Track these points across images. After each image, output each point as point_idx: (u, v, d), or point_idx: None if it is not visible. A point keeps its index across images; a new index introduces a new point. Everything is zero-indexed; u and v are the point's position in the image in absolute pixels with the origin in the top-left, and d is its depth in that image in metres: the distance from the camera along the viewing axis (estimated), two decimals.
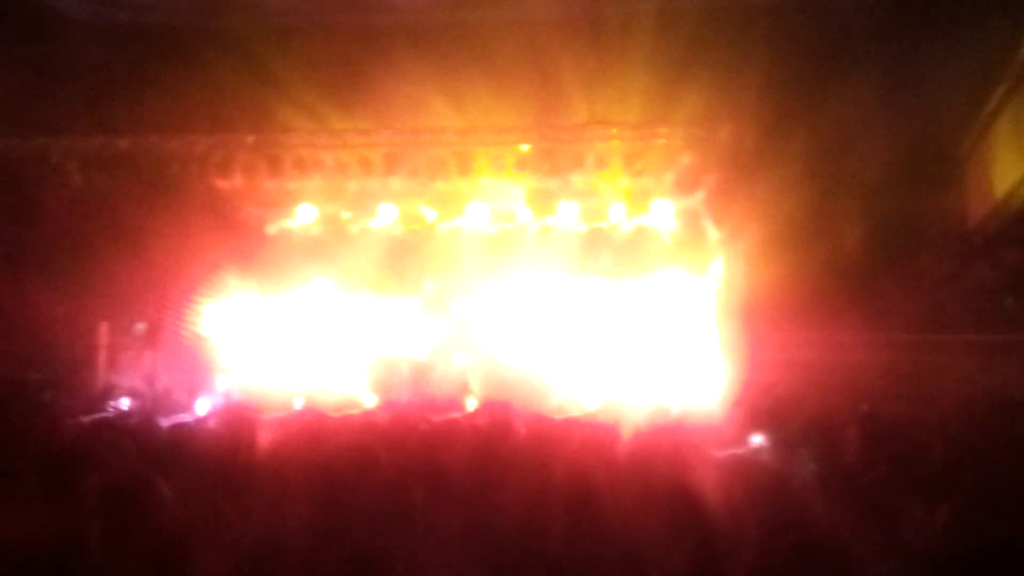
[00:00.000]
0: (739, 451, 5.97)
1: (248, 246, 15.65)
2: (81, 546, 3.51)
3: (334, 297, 15.59)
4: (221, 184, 15.49)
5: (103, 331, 15.34)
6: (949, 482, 5.14)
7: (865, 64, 13.63)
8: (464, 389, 13.93)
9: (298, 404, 12.75)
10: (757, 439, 6.38)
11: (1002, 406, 8.58)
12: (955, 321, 13.44)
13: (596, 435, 6.36)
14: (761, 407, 8.44)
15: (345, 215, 16.52)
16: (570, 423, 7.92)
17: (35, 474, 4.79)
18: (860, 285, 13.34)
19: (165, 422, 9.40)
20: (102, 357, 15.25)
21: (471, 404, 12.80)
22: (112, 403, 12.69)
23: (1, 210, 14.42)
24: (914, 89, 13.53)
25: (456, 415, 9.34)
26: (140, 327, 14.74)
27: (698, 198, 14.99)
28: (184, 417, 11.23)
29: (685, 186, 15.12)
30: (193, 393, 14.01)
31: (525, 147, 15.18)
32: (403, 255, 15.99)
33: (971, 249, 14.16)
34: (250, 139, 15.43)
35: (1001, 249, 13.86)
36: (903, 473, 5.39)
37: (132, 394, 13.40)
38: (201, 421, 11.03)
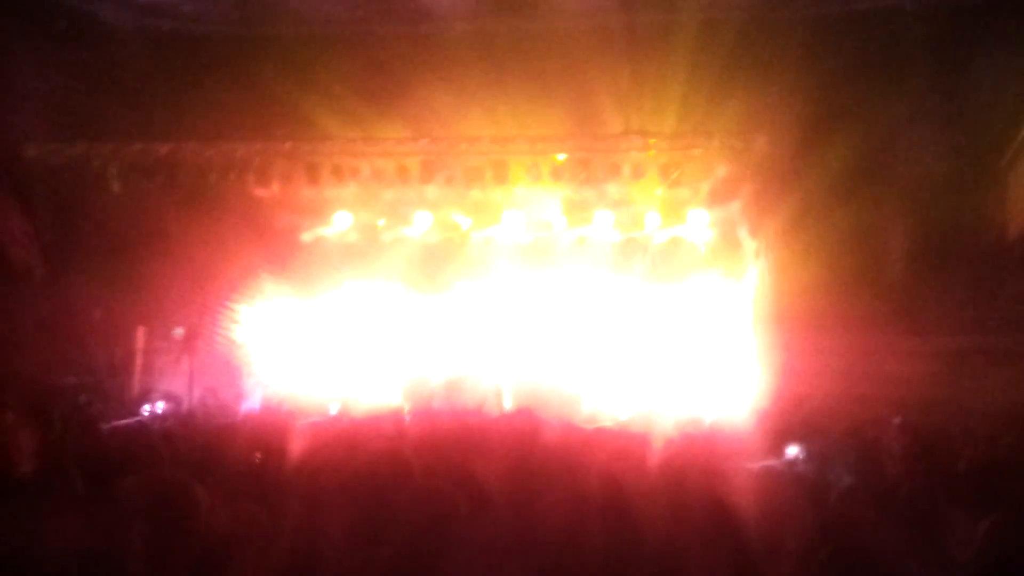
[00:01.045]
0: (773, 462, 5.93)
1: (285, 252, 15.75)
2: (119, 551, 3.54)
3: (369, 303, 15.65)
4: (259, 191, 15.60)
5: (141, 336, 15.49)
6: (988, 492, 5.09)
7: (905, 76, 13.57)
8: (496, 398, 13.92)
9: (333, 409, 12.79)
10: (792, 450, 6.33)
11: None
12: (993, 330, 13.33)
13: (628, 444, 6.35)
14: (796, 417, 8.39)
15: (380, 222, 16.59)
16: (601, 432, 7.90)
17: (73, 478, 4.83)
18: (898, 294, 13.27)
19: (201, 427, 9.49)
20: (139, 362, 15.41)
21: (503, 413, 12.79)
22: (149, 407, 12.79)
23: (42, 215, 14.59)
24: (955, 101, 13.46)
25: (488, 422, 9.34)
26: (178, 332, 14.86)
27: (734, 208, 14.94)
28: (220, 422, 11.28)
29: (721, 196, 15.08)
30: (229, 398, 14.11)
31: (561, 156, 15.18)
32: (438, 263, 16.04)
33: (1010, 260, 14.02)
34: (288, 147, 15.52)
35: None
36: (941, 483, 5.35)
37: (169, 398, 13.50)
38: (237, 425, 11.09)
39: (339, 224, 16.34)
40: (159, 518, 3.70)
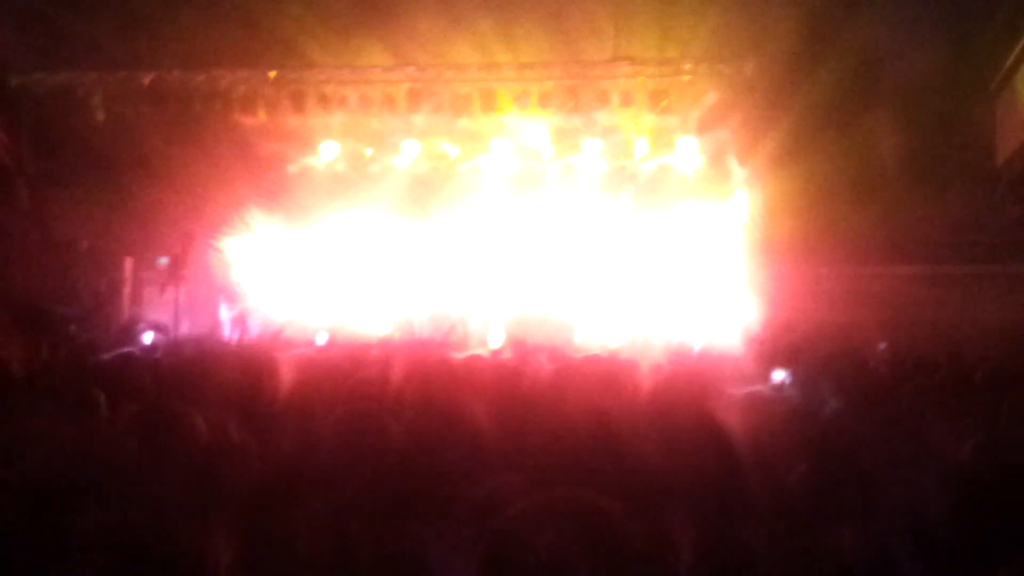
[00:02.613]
0: (760, 387, 5.97)
1: (272, 182, 15.67)
2: (105, 475, 3.56)
3: (356, 233, 15.61)
4: (245, 120, 15.49)
5: (127, 266, 15.46)
6: (975, 411, 5.14)
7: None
8: (485, 327, 13.95)
9: (321, 339, 12.81)
10: (779, 375, 6.37)
11: None
12: (982, 255, 13.39)
13: (616, 371, 6.37)
14: (784, 342, 8.44)
15: (368, 152, 16.50)
16: (590, 360, 7.93)
17: (60, 405, 4.85)
18: (888, 220, 13.28)
19: (188, 356, 9.50)
20: (126, 292, 15.39)
21: (494, 342, 12.83)
22: (136, 336, 12.79)
23: (27, 145, 14.48)
24: (944, 23, 13.36)
25: (478, 351, 9.37)
26: (164, 262, 14.82)
27: (723, 135, 14.89)
28: (207, 350, 11.30)
29: (710, 123, 15.01)
30: (216, 327, 14.13)
31: (548, 83, 15.07)
32: (425, 192, 15.98)
33: (1001, 184, 14.05)
34: (274, 75, 15.39)
35: None
36: (928, 404, 5.39)
37: (156, 328, 13.50)
38: (225, 355, 11.11)
39: (326, 154, 16.26)
40: (144, 442, 3.72)
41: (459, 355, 8.10)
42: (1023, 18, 12.89)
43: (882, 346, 8.72)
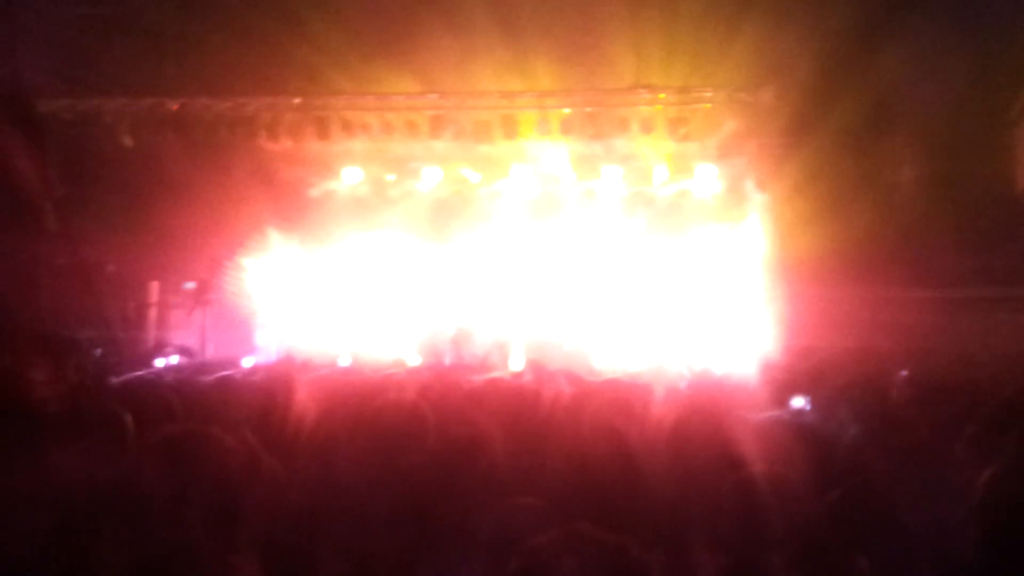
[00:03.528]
0: (779, 413, 5.97)
1: (295, 207, 15.80)
2: (130, 499, 3.60)
3: (378, 257, 15.71)
4: (269, 146, 15.62)
5: (154, 290, 15.59)
6: (993, 440, 5.13)
7: (915, 27, 13.47)
8: (505, 351, 13.99)
9: (344, 361, 12.89)
10: (798, 401, 6.37)
11: None
12: (1000, 281, 13.35)
13: (635, 396, 6.39)
14: (803, 368, 8.44)
15: (390, 177, 16.63)
16: (609, 384, 7.95)
17: (87, 430, 4.90)
18: (906, 245, 13.28)
19: (214, 378, 9.57)
20: (152, 315, 15.51)
21: (514, 367, 12.86)
22: (162, 360, 12.89)
23: (54, 170, 14.63)
24: (966, 53, 13.37)
25: (498, 375, 9.41)
26: (189, 286, 14.96)
27: (742, 162, 14.94)
28: (232, 374, 11.38)
29: (729, 150, 15.06)
30: (241, 350, 14.21)
31: (569, 111, 15.14)
32: (447, 217, 16.07)
33: (1018, 210, 14.01)
34: (298, 101, 15.53)
35: None
36: (947, 432, 5.38)
37: (182, 352, 13.61)
38: (248, 377, 11.19)
39: (349, 179, 16.39)
40: (169, 466, 3.76)
41: (479, 378, 8.16)
42: None
43: (903, 373, 8.71)
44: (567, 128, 15.17)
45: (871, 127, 13.75)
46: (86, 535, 3.38)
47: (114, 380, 8.95)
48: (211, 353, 13.79)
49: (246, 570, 3.22)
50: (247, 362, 13.33)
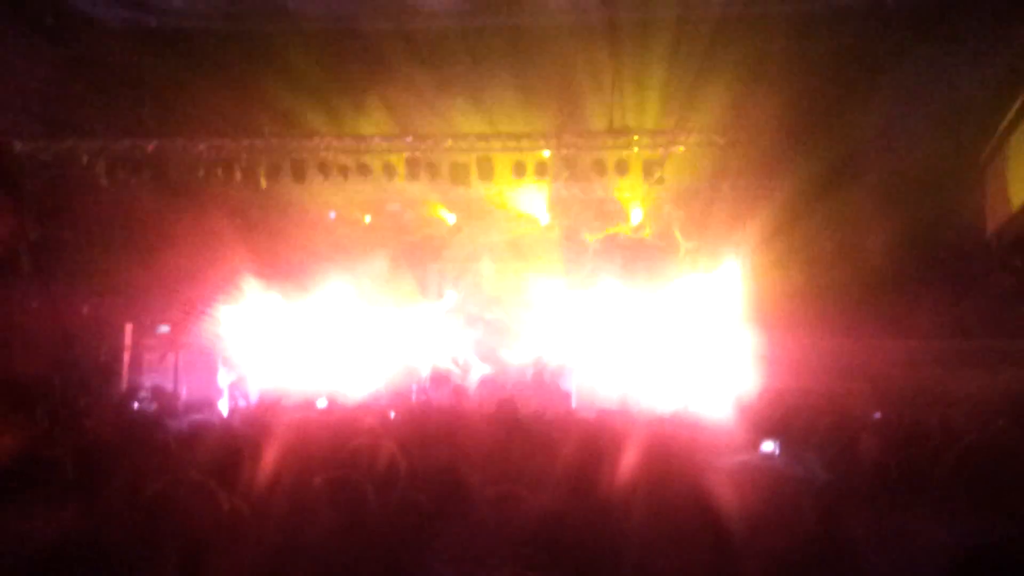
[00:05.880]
0: (750, 456, 6.00)
1: (271, 249, 15.80)
2: (103, 542, 3.59)
3: (354, 299, 15.71)
4: (245, 187, 15.64)
5: (128, 333, 15.52)
6: (963, 488, 5.15)
7: (884, 74, 13.68)
8: (479, 390, 14.01)
9: (320, 404, 12.85)
10: (768, 445, 6.41)
11: (1019, 412, 8.55)
12: (972, 327, 13.45)
13: (608, 437, 6.40)
14: (776, 413, 8.48)
15: (366, 219, 16.69)
16: (580, 422, 7.98)
17: (62, 469, 4.89)
18: (879, 293, 13.37)
19: (188, 421, 9.53)
20: (126, 358, 15.44)
21: (485, 405, 12.87)
22: (136, 403, 12.82)
23: (29, 211, 14.60)
24: (933, 99, 13.56)
25: (469, 416, 9.43)
26: (163, 329, 14.90)
27: (717, 206, 15.08)
28: (207, 416, 11.33)
29: (704, 194, 15.22)
30: (215, 393, 14.16)
31: (546, 153, 15.24)
32: (423, 259, 16.13)
33: (990, 258, 14.15)
34: (275, 143, 15.57)
35: (1018, 257, 13.85)
36: (918, 480, 5.41)
37: (155, 395, 13.54)
38: (223, 420, 11.15)
39: (324, 220, 16.44)
40: (142, 510, 3.75)
41: (452, 418, 8.18)
42: (1010, 91, 13.09)
43: (876, 415, 8.76)
44: (542, 170, 15.25)
45: (842, 172, 13.89)
46: None
47: (87, 423, 8.91)
48: (184, 396, 13.70)
49: None
50: (221, 404, 13.29)
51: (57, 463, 4.94)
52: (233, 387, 14.76)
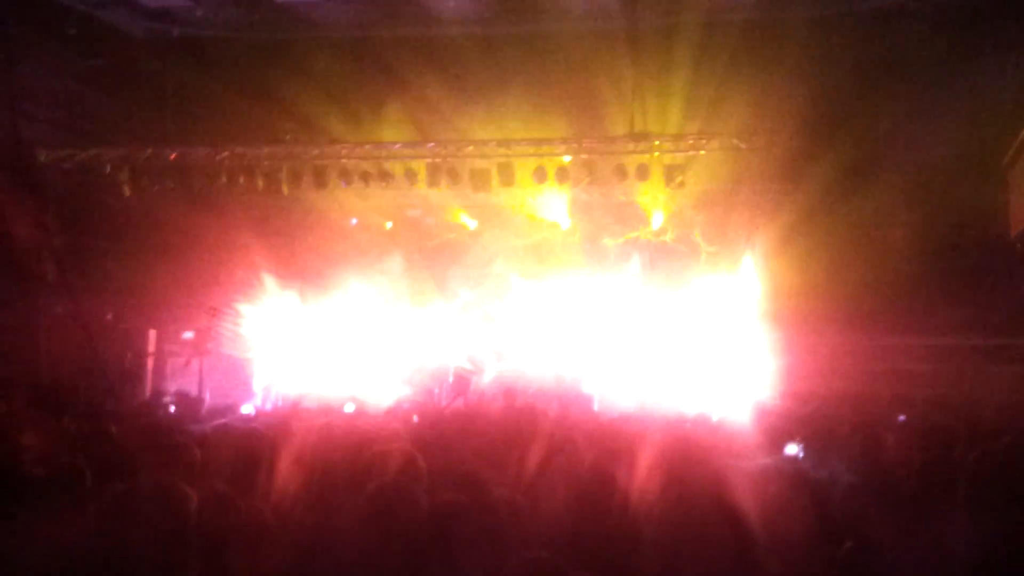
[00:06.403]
0: (774, 460, 5.97)
1: (293, 255, 15.86)
2: (127, 548, 3.60)
3: (375, 303, 15.73)
4: (267, 194, 15.69)
5: (151, 338, 15.62)
6: (990, 490, 5.11)
7: (906, 76, 13.64)
8: (503, 394, 14.00)
9: (347, 408, 12.87)
10: (792, 448, 6.38)
11: None
12: (995, 330, 13.36)
13: (630, 441, 6.39)
14: (799, 415, 8.43)
15: (388, 225, 16.73)
16: (605, 428, 7.95)
17: (83, 478, 4.91)
18: (900, 293, 13.32)
19: (212, 427, 9.57)
20: (150, 364, 15.53)
21: (508, 409, 12.86)
22: (160, 408, 12.88)
23: (54, 219, 14.71)
24: (956, 101, 13.49)
25: (492, 420, 9.41)
26: (187, 335, 14.98)
27: (737, 208, 15.05)
28: (231, 421, 11.37)
29: (725, 197, 15.19)
30: (239, 398, 14.21)
31: (566, 159, 15.23)
32: (444, 264, 16.14)
33: (1012, 260, 14.06)
34: (296, 150, 15.62)
35: None
36: (943, 481, 5.37)
37: (179, 400, 13.60)
38: (247, 425, 11.18)
39: (347, 227, 16.50)
40: (165, 514, 3.76)
41: (473, 420, 8.17)
42: None
43: (901, 418, 8.71)
44: (563, 176, 15.23)
45: (865, 174, 13.84)
46: None
47: (112, 429, 8.94)
48: (208, 401, 13.76)
49: None
50: (246, 409, 13.34)
51: (83, 469, 4.97)
52: (256, 392, 14.81)
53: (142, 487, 4.03)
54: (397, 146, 15.61)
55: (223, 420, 10.26)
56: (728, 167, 14.87)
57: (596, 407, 14.01)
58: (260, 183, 15.51)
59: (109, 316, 14.92)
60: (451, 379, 14.93)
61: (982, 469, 5.84)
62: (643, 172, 14.92)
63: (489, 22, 14.85)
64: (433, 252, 16.32)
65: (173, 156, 15.55)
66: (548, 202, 16.03)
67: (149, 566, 3.58)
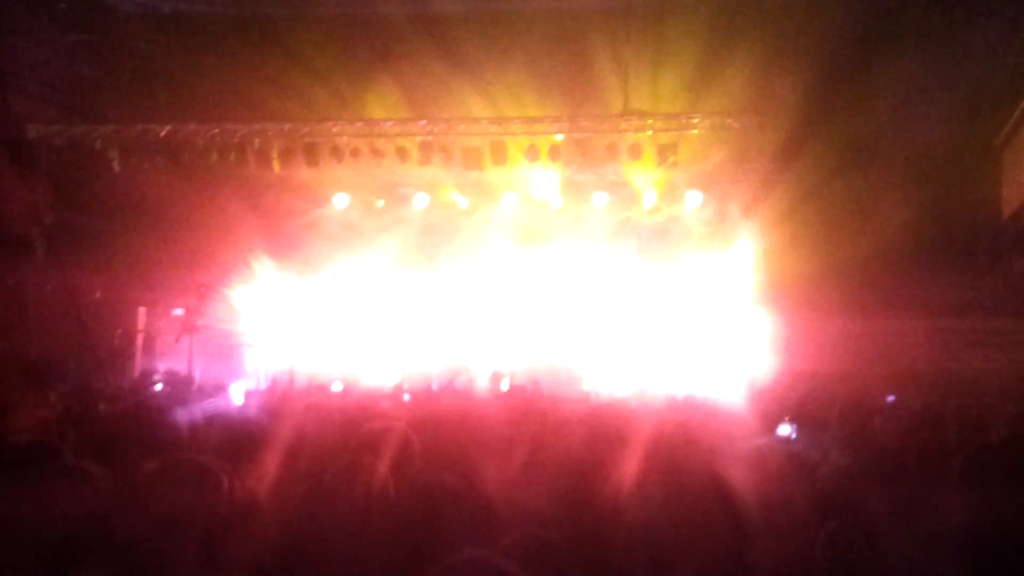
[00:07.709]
0: (766, 440, 5.98)
1: (284, 232, 15.81)
2: (117, 527, 3.58)
3: (368, 282, 15.71)
4: (258, 172, 15.64)
5: (141, 316, 15.56)
6: (981, 469, 5.12)
7: (900, 55, 13.57)
8: (493, 376, 14.00)
9: (336, 387, 12.87)
10: (784, 428, 6.39)
11: None
12: (988, 308, 13.40)
13: (623, 422, 6.38)
14: (791, 395, 8.45)
15: (379, 203, 16.68)
16: (597, 408, 7.96)
17: (73, 456, 4.88)
18: (893, 275, 13.32)
19: (202, 405, 9.55)
20: (140, 342, 15.48)
21: (499, 391, 12.87)
22: (149, 387, 12.86)
23: (43, 195, 14.61)
24: (948, 83, 13.46)
25: (484, 401, 9.42)
26: (177, 312, 14.93)
27: (730, 189, 15.03)
28: (220, 401, 11.36)
29: (717, 177, 15.16)
30: (229, 376, 14.18)
31: (559, 137, 15.19)
32: (436, 242, 16.10)
33: (1005, 241, 14.07)
34: (287, 128, 15.56)
35: None
36: (934, 461, 5.38)
37: (169, 378, 13.58)
38: (237, 404, 11.17)
39: (338, 204, 16.44)
40: (157, 493, 3.74)
41: (468, 403, 8.16)
42: None
43: (890, 398, 8.73)
44: (556, 154, 15.22)
45: (858, 154, 13.82)
46: (66, 570, 3.36)
47: (101, 407, 8.91)
48: (199, 379, 13.73)
49: None
50: (236, 388, 13.32)
51: (70, 447, 4.94)
52: (248, 370, 14.79)
53: (135, 465, 4.02)
54: (389, 124, 15.57)
55: (213, 399, 10.26)
56: (721, 147, 14.85)
57: (587, 388, 14.03)
58: (251, 160, 15.48)
59: (99, 293, 14.84)
60: (444, 362, 14.91)
61: (972, 448, 5.86)
62: (636, 151, 14.91)
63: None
64: (424, 231, 16.26)
65: (163, 132, 15.49)
66: (541, 181, 16.00)
67: (143, 542, 3.56)
